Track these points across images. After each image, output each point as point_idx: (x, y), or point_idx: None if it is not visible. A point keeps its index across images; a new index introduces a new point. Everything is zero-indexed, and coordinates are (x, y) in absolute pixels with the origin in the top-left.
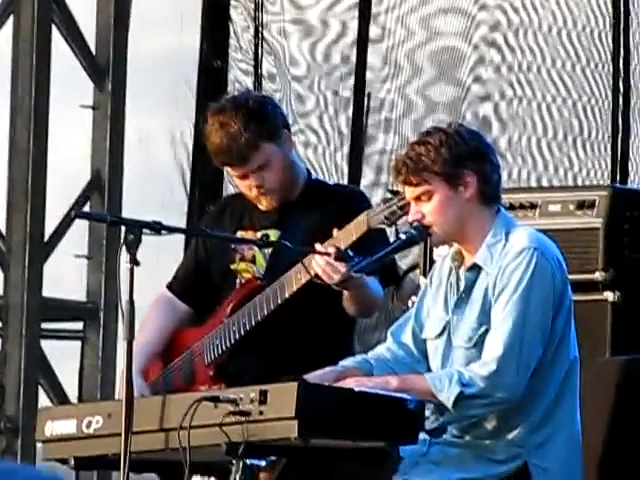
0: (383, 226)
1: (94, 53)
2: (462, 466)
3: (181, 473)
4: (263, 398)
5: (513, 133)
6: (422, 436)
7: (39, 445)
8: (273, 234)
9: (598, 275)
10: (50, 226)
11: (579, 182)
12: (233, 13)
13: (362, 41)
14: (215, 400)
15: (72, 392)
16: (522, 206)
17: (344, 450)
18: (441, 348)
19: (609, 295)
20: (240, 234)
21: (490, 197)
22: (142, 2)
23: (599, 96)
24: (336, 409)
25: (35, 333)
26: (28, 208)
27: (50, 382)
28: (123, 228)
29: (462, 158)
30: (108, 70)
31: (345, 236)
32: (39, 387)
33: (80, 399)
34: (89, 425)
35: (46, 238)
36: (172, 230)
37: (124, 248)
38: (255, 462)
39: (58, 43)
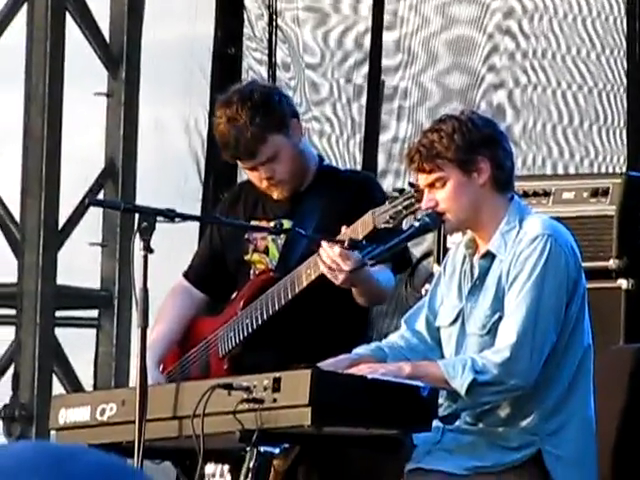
0: (389, 225)
1: (108, 41)
2: (475, 454)
3: (195, 461)
4: (277, 385)
5: (528, 120)
6: (435, 423)
7: (53, 433)
8: (286, 223)
9: (612, 263)
10: (64, 214)
11: (595, 169)
12: (247, 1)
13: (376, 29)
14: (229, 388)
15: (86, 380)
16: (536, 194)
17: (357, 438)
18: (455, 335)
19: (623, 283)
20: (253, 224)
21: (503, 184)
22: None
23: (614, 83)
24: (349, 397)
25: (49, 321)
26: (42, 196)
27: (64, 370)
28: (137, 215)
29: (475, 145)
30: (122, 58)
31: (352, 233)
32: (53, 375)
33: (95, 387)
34: (103, 413)
35: (60, 226)
36: (186, 217)
37: (138, 235)
38: (269, 449)
39: (72, 31)
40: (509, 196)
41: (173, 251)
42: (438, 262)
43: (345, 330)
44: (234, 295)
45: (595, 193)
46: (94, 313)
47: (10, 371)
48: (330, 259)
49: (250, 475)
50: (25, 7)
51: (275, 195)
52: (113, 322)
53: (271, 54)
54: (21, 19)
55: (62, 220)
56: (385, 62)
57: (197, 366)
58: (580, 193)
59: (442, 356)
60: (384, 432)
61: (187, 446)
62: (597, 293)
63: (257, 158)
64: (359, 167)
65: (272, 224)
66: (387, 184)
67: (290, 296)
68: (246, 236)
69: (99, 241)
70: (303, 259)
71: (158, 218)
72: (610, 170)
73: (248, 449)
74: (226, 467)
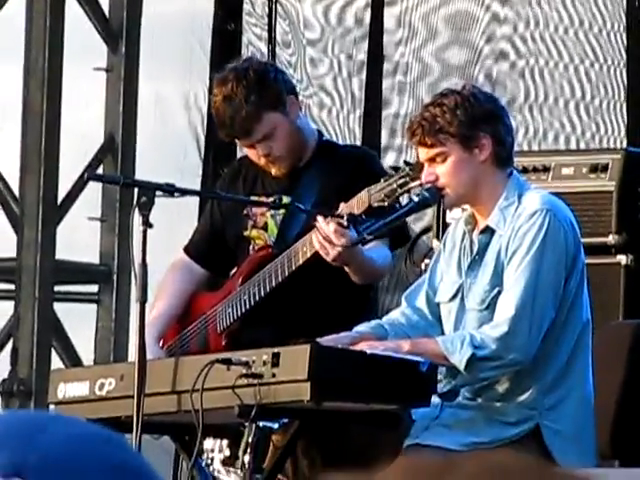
0: (383, 204)
1: (108, 16)
2: (473, 429)
3: (194, 435)
4: (275, 360)
5: (529, 94)
6: (434, 399)
7: (52, 407)
8: (286, 199)
9: (611, 238)
10: (63, 189)
11: (596, 145)
12: None
13: (377, 4)
14: (228, 363)
15: (85, 355)
16: (535, 169)
17: (356, 413)
18: (454, 311)
19: (622, 258)
20: (253, 199)
21: (504, 160)
22: None
23: (615, 58)
24: (348, 372)
25: (48, 296)
26: (41, 170)
27: (63, 345)
28: (136, 190)
29: (477, 120)
30: (122, 33)
31: (348, 211)
32: (52, 350)
33: (95, 362)
34: (102, 387)
35: (59, 201)
36: (185, 192)
37: (137, 210)
38: (268, 424)
39: (72, 5)
40: (508, 172)
41: (172, 226)
42: (437, 237)
43: (344, 306)
44: (233, 271)
45: (594, 169)
46: (93, 288)
47: (9, 346)
48: (323, 235)
49: (249, 450)
50: None
51: (273, 171)
52: (112, 297)
53: (271, 30)
54: None
55: (61, 195)
56: (386, 37)
57: (196, 341)
58: (579, 169)
59: (442, 332)
60: (383, 407)
61: (186, 421)
62: (596, 269)
63: (253, 136)
64: (359, 142)
65: (271, 199)
66: (389, 160)
67: (287, 272)
68: (245, 212)
69: (98, 216)
70: (302, 235)
71: (157, 193)
72: (611, 146)
73: (247, 424)
74: (225, 442)
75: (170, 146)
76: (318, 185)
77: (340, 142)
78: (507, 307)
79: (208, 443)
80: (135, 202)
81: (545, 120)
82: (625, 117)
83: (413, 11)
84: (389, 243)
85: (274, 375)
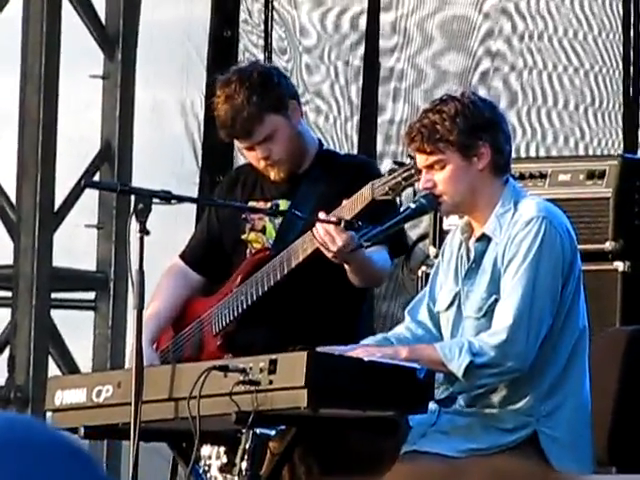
0: (387, 197)
1: (104, 23)
2: (471, 436)
3: (191, 442)
4: (273, 367)
5: (523, 103)
6: (432, 406)
7: (49, 414)
8: (283, 204)
9: (608, 245)
10: (60, 196)
11: (590, 152)
12: None
13: (372, 10)
14: (225, 369)
15: (82, 362)
16: (532, 176)
17: (353, 420)
18: (451, 319)
19: (619, 265)
20: (251, 205)
21: (502, 168)
22: None
23: (610, 65)
24: (345, 378)
25: (45, 303)
26: (38, 177)
27: (60, 352)
28: (133, 197)
29: (477, 129)
30: (118, 40)
31: (351, 206)
32: (49, 357)
33: (92, 369)
34: (99, 394)
35: (56, 207)
36: (182, 199)
37: (134, 217)
38: (265, 431)
39: (68, 12)
40: (504, 179)
41: (169, 233)
42: (434, 244)
43: (340, 310)
44: (230, 275)
45: (591, 175)
46: (90, 295)
47: (6, 353)
48: (324, 230)
49: (246, 457)
50: None
51: (272, 176)
52: (109, 304)
53: (267, 37)
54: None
55: (58, 202)
56: (382, 43)
57: (190, 344)
58: (576, 175)
59: None
60: (380, 414)
61: (183, 428)
62: (593, 275)
63: (253, 137)
64: (355, 149)
65: (269, 205)
66: (384, 167)
67: (286, 271)
68: (244, 215)
69: (95, 223)
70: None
71: (154, 200)
72: (606, 153)
73: (244, 431)
74: (222, 449)
75: (167, 153)
76: (318, 191)
77: (337, 149)
78: (505, 315)
79: (205, 450)
80: (132, 209)
81: (542, 126)
82: (621, 123)
83: (408, 17)
84: (388, 250)
85: (271, 382)
